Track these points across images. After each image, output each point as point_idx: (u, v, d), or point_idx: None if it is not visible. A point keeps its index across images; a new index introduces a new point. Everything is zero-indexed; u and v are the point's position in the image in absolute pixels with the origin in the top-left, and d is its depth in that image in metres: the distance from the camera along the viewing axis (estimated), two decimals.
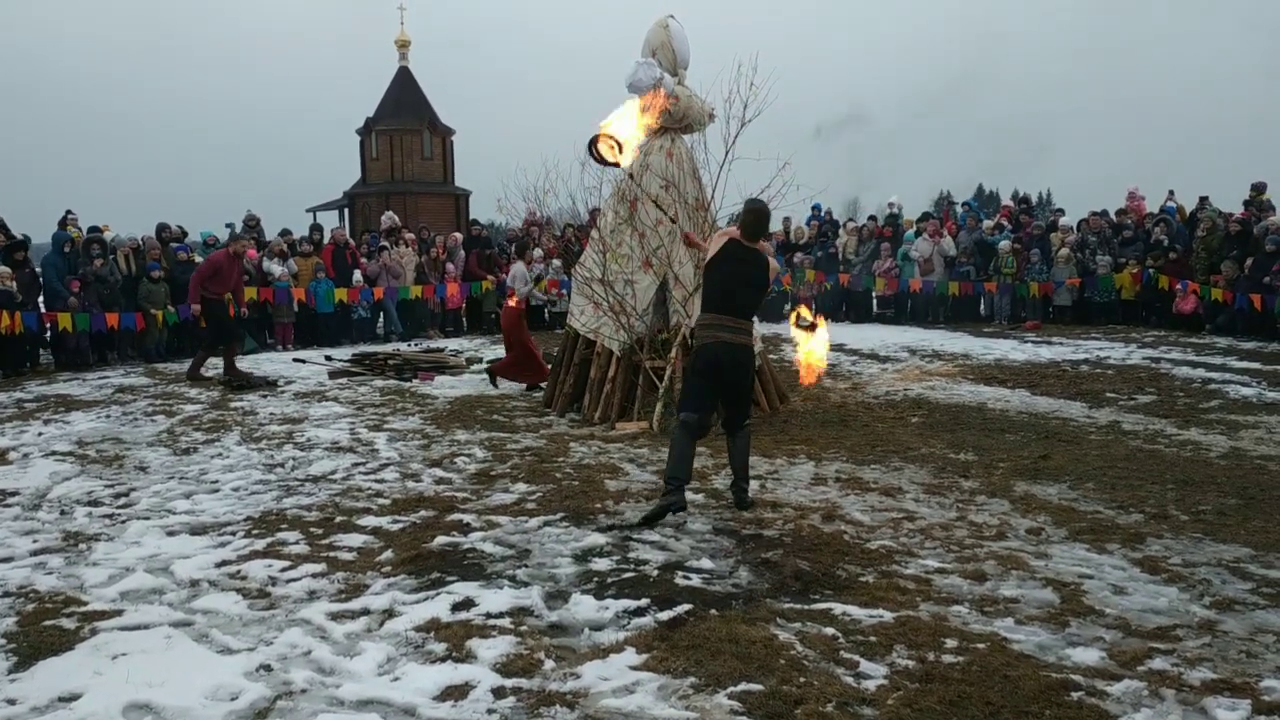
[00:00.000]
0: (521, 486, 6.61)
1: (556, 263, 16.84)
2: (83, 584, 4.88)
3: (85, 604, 4.59)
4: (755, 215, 6.11)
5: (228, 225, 17.05)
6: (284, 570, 5.01)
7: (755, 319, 6.31)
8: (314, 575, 4.93)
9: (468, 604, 4.47)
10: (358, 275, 16.33)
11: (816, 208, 19.45)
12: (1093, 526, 5.57)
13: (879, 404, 9.79)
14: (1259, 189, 16.46)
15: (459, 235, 19.11)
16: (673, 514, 5.68)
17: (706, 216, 8.99)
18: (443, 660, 3.91)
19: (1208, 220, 15.92)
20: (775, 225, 19.41)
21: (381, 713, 3.53)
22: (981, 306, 18.59)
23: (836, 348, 14.61)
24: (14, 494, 6.66)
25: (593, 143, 7.27)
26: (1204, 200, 17.15)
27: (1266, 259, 14.33)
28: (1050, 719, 3.37)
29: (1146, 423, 8.61)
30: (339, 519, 5.93)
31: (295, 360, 13.79)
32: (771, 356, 10.98)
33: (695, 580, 4.76)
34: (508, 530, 5.62)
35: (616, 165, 7.63)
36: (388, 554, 5.23)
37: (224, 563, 5.15)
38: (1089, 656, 3.85)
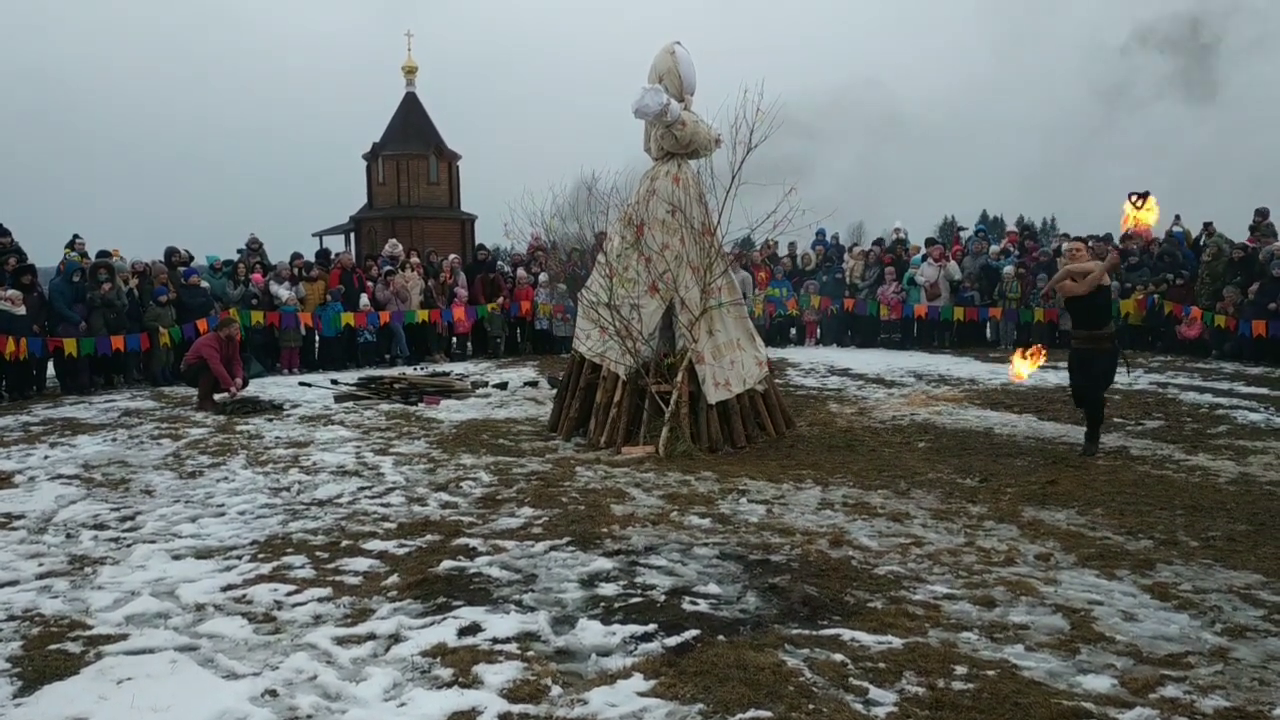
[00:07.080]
0: (528, 511, 6.60)
1: (562, 286, 16.97)
2: (88, 608, 4.87)
3: (90, 628, 4.58)
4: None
5: (239, 251, 17.17)
6: (290, 594, 5.00)
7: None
8: (320, 600, 4.92)
9: (474, 629, 4.45)
10: (365, 300, 16.39)
11: (821, 232, 19.50)
12: (1102, 552, 5.54)
13: (885, 429, 9.78)
14: (1263, 214, 16.48)
15: (455, 256, 19.28)
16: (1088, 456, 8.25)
17: (713, 241, 9.03)
18: (449, 686, 3.88)
19: (1213, 246, 15.94)
20: (781, 250, 19.53)
21: None
22: (987, 331, 18.61)
23: (841, 373, 14.64)
24: (20, 517, 6.66)
25: None
26: (1208, 225, 17.17)
27: (1272, 285, 14.32)
28: None
29: (1154, 448, 8.58)
30: (345, 543, 5.92)
31: (301, 384, 13.82)
32: (777, 382, 10.96)
33: (703, 605, 4.73)
34: (514, 555, 5.60)
35: None
36: (394, 578, 5.21)
37: (229, 587, 5.14)
38: (1100, 684, 3.82)
